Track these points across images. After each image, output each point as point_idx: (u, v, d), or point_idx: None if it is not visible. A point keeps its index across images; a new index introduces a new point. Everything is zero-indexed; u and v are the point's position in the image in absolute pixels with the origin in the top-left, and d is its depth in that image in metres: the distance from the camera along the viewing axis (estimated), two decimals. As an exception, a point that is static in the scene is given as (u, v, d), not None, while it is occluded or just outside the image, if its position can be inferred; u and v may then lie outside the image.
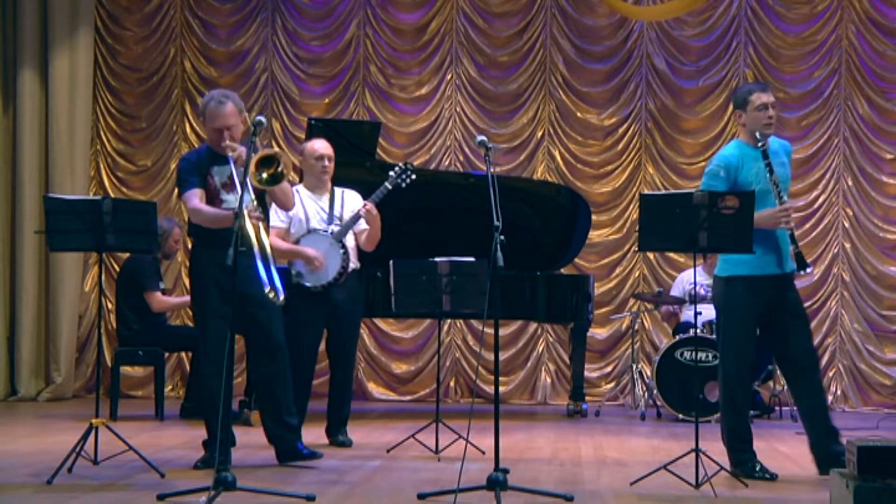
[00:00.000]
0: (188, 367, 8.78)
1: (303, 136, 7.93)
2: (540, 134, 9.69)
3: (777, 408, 8.37)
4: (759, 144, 5.35)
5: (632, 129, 9.66)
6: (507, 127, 9.69)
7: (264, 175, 5.15)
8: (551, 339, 9.62)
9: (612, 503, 4.75)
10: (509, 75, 9.73)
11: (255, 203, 5.34)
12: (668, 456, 5.56)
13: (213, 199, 5.43)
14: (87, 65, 9.47)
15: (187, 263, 9.68)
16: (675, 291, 8.81)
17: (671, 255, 9.42)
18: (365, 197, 6.37)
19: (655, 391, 8.08)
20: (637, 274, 9.61)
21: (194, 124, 9.87)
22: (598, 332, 9.49)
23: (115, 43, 9.88)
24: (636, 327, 8.85)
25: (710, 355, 7.86)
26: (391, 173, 6.41)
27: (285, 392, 5.65)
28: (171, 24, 9.88)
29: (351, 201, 6.40)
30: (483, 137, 5.17)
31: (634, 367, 8.64)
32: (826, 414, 5.41)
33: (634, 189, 9.54)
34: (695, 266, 5.99)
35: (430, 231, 7.85)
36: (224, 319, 5.18)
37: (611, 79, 9.69)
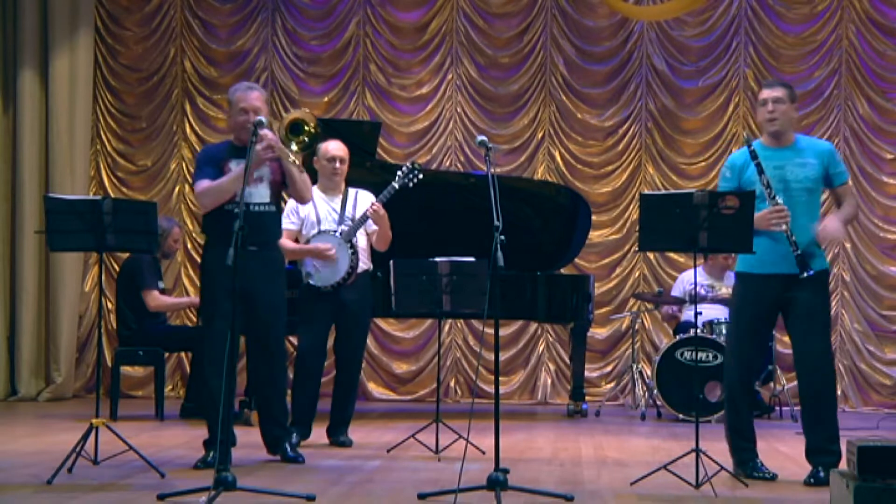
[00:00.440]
0: (188, 367, 8.78)
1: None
2: (540, 135, 9.70)
3: (777, 408, 8.37)
4: (745, 143, 5.38)
5: (632, 129, 9.67)
6: (508, 128, 9.69)
7: (294, 146, 5.20)
8: (551, 339, 9.62)
9: (612, 503, 4.75)
10: (510, 76, 9.73)
11: (272, 197, 5.38)
12: (668, 456, 5.56)
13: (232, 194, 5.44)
14: (88, 65, 9.47)
15: (187, 263, 9.78)
16: (676, 291, 8.81)
17: (671, 255, 9.42)
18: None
19: (656, 391, 8.08)
20: (637, 274, 9.61)
21: (194, 124, 9.88)
22: (598, 332, 9.49)
23: (116, 43, 9.88)
24: (636, 327, 8.85)
25: (710, 355, 7.87)
26: (398, 173, 6.41)
27: (278, 394, 5.69)
28: (171, 24, 9.88)
29: (364, 202, 6.39)
30: (483, 137, 5.17)
31: (634, 367, 8.64)
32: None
33: (635, 189, 9.54)
34: (695, 266, 5.99)
35: (430, 231, 7.85)
36: (226, 318, 5.18)
37: (611, 79, 9.69)
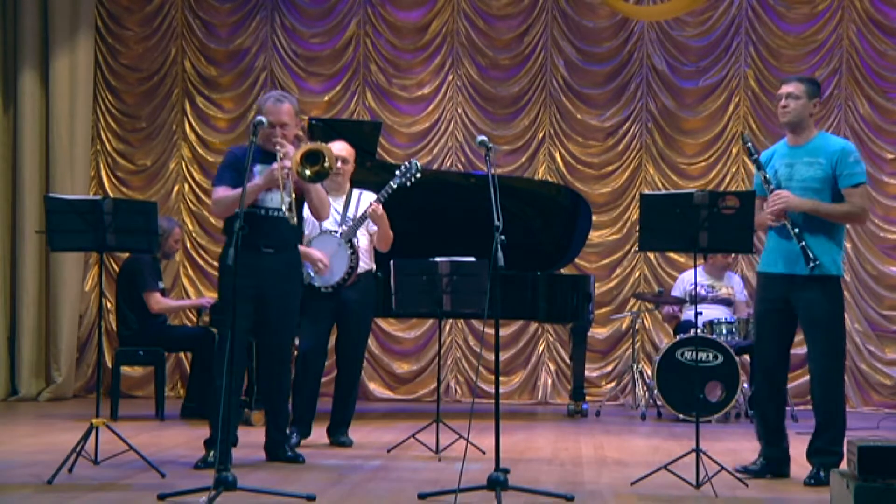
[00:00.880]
0: (188, 367, 8.78)
1: (303, 135, 7.93)
2: (541, 135, 9.70)
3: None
4: (744, 142, 5.42)
5: (632, 129, 9.67)
6: (509, 128, 9.69)
7: (308, 172, 5.21)
8: (552, 339, 9.62)
9: (612, 503, 4.75)
10: (510, 77, 9.74)
11: (291, 205, 5.38)
12: (668, 456, 5.56)
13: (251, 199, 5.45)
14: (88, 65, 9.47)
15: (186, 263, 9.78)
16: (676, 291, 8.81)
17: (671, 254, 9.42)
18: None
19: (656, 391, 8.08)
20: (637, 274, 9.61)
21: (194, 124, 9.88)
22: (598, 332, 9.49)
23: (116, 43, 9.88)
24: (636, 327, 8.86)
25: (711, 355, 7.87)
26: (396, 172, 6.40)
27: (281, 397, 5.71)
28: (171, 23, 9.88)
29: (367, 203, 6.39)
30: (483, 137, 5.17)
31: (635, 366, 8.65)
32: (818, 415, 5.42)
33: (635, 189, 9.54)
34: (695, 266, 6.00)
35: (430, 231, 7.85)
36: (243, 319, 5.30)
37: (611, 80, 9.69)
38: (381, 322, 9.54)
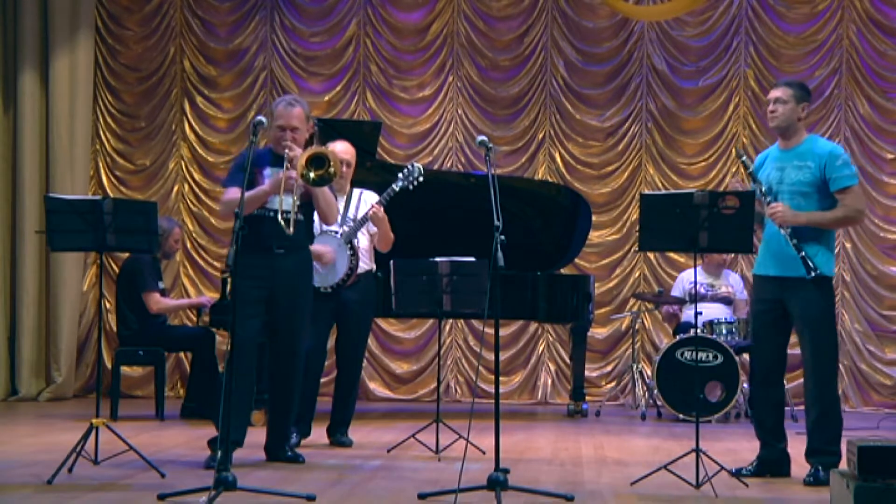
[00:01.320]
0: (188, 367, 8.78)
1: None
2: (541, 136, 9.70)
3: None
4: (737, 156, 5.46)
5: (632, 129, 9.67)
6: (509, 129, 9.70)
7: (312, 175, 5.22)
8: (552, 339, 9.62)
9: (612, 503, 4.75)
10: (510, 78, 9.74)
11: (298, 207, 5.42)
12: (668, 456, 5.57)
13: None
14: (88, 65, 9.47)
15: (186, 263, 9.78)
16: (676, 291, 8.82)
17: (671, 254, 9.42)
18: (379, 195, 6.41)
19: (656, 391, 8.08)
20: (637, 274, 9.61)
21: (193, 123, 9.88)
22: (598, 332, 9.50)
23: (115, 43, 9.88)
24: (636, 327, 8.86)
25: (711, 355, 7.88)
26: (399, 175, 6.41)
27: (289, 398, 5.70)
28: (170, 23, 9.88)
29: (368, 203, 6.40)
30: (483, 137, 5.17)
31: (635, 366, 8.65)
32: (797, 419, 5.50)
33: (635, 189, 9.54)
34: (695, 266, 5.99)
35: (430, 231, 7.85)
36: (255, 319, 5.41)
37: (611, 80, 9.69)
38: (381, 322, 9.54)
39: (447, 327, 9.56)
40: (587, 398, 8.70)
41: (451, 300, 6.02)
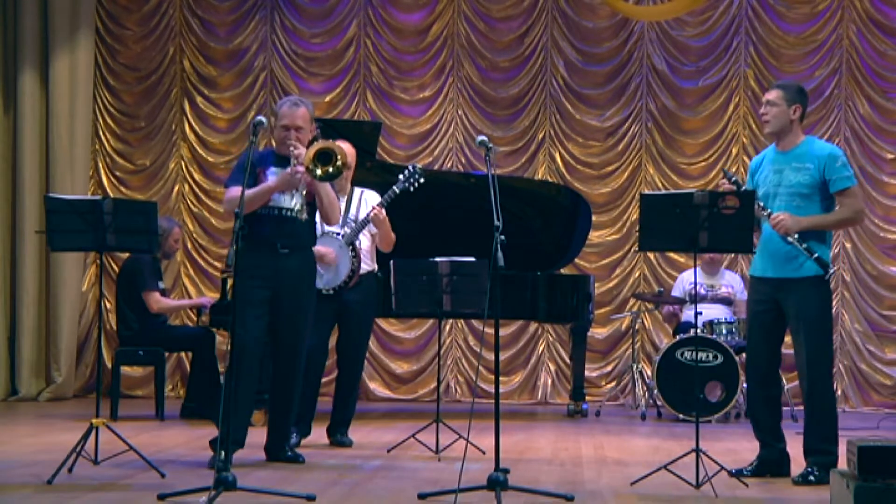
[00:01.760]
0: (188, 367, 8.78)
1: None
2: (541, 136, 9.70)
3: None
4: (725, 178, 5.48)
5: (632, 129, 9.67)
6: (509, 130, 9.70)
7: (319, 171, 5.22)
8: (552, 339, 9.62)
9: (612, 503, 4.75)
10: (511, 79, 9.74)
11: (304, 205, 5.45)
12: (668, 456, 5.57)
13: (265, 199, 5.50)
14: (88, 65, 9.47)
15: (187, 263, 9.78)
16: (676, 291, 8.82)
17: (671, 254, 9.42)
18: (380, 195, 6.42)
19: (656, 391, 8.08)
20: (637, 274, 9.61)
21: (193, 123, 9.88)
22: (598, 332, 9.50)
23: (115, 42, 9.88)
24: (636, 327, 8.86)
25: (711, 355, 7.88)
26: (400, 176, 6.40)
27: (290, 398, 5.71)
28: (170, 22, 9.88)
29: (368, 203, 6.40)
30: (483, 137, 5.17)
31: (635, 366, 8.65)
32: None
33: (635, 189, 9.54)
34: (695, 266, 5.99)
35: (430, 231, 7.86)
36: (258, 320, 5.43)
37: (611, 80, 9.69)
38: (381, 322, 9.53)
39: (447, 327, 9.56)
40: (587, 398, 8.70)
41: (451, 300, 6.02)
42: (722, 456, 5.46)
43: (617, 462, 5.96)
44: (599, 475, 5.47)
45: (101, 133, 9.87)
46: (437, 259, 5.99)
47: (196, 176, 9.87)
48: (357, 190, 6.44)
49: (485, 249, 4.86)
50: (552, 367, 9.60)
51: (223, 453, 4.72)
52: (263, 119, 5.19)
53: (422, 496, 4.66)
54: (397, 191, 6.33)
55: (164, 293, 7.95)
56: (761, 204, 5.36)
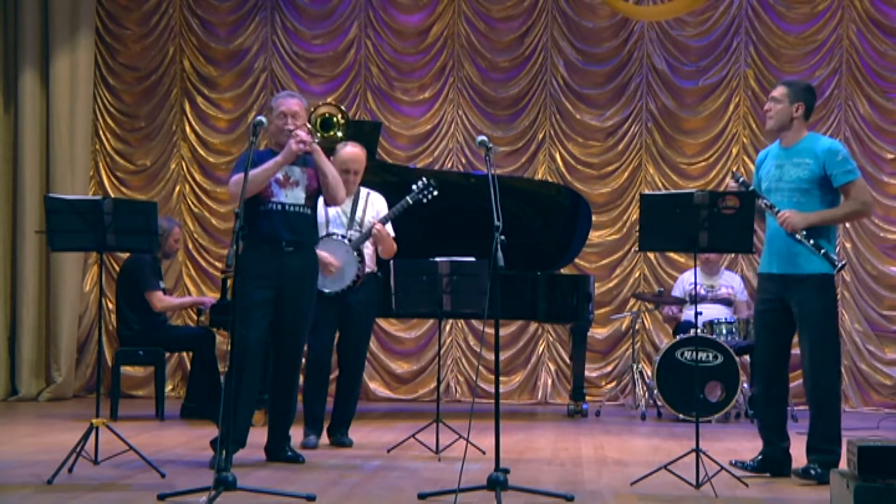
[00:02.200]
0: (189, 367, 8.78)
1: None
2: (541, 136, 9.70)
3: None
4: (736, 179, 5.52)
5: (632, 129, 9.67)
6: (509, 130, 9.70)
7: (321, 135, 5.29)
8: (552, 339, 9.62)
9: (612, 503, 4.75)
10: (511, 79, 9.74)
11: (307, 200, 5.50)
12: (668, 456, 5.57)
13: (267, 194, 5.50)
14: (88, 64, 9.47)
15: (188, 263, 9.78)
16: (676, 292, 8.82)
17: (671, 254, 9.42)
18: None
19: (656, 391, 8.08)
20: (637, 274, 9.61)
21: (194, 123, 9.88)
22: (598, 332, 9.50)
23: (115, 42, 9.88)
24: (636, 327, 8.86)
25: (711, 355, 7.87)
26: (413, 187, 6.41)
27: (291, 398, 5.73)
28: (170, 22, 9.88)
29: (374, 205, 6.41)
30: (483, 137, 5.18)
31: (635, 366, 8.65)
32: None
33: (635, 189, 9.54)
34: (695, 266, 5.99)
35: (430, 231, 7.85)
36: (263, 321, 5.47)
37: (611, 80, 9.69)
38: (381, 322, 9.53)
39: (447, 327, 9.56)
40: (587, 398, 8.70)
41: (451, 300, 6.02)
42: (722, 456, 5.46)
43: (617, 462, 5.96)
44: (599, 475, 5.48)
45: (101, 133, 9.86)
46: (437, 259, 5.99)
47: (197, 176, 9.87)
48: (363, 191, 6.43)
49: (485, 249, 4.86)
50: (552, 367, 9.60)
51: (223, 453, 4.72)
52: (264, 119, 5.20)
53: (422, 496, 4.66)
54: (410, 202, 6.34)
55: (165, 293, 7.96)
56: (768, 202, 5.36)
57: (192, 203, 9.85)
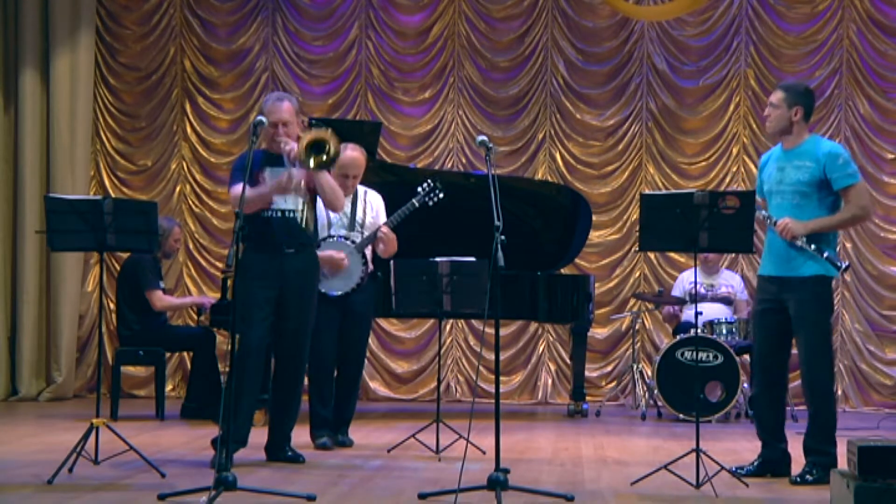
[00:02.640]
0: (189, 367, 8.78)
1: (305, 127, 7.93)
2: (541, 136, 9.69)
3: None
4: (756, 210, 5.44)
5: (632, 129, 9.66)
6: (509, 129, 9.69)
7: (311, 163, 5.26)
8: (552, 339, 9.62)
9: (612, 503, 4.75)
10: (511, 78, 9.74)
11: (307, 205, 5.48)
12: (668, 456, 5.57)
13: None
14: (88, 64, 9.46)
15: (188, 263, 9.78)
16: (676, 291, 8.82)
17: (671, 254, 9.42)
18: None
19: (656, 391, 8.08)
20: (637, 274, 9.61)
21: (194, 123, 9.87)
22: (598, 332, 9.49)
23: (115, 41, 9.87)
24: (637, 327, 8.86)
25: (711, 355, 7.87)
26: (419, 189, 6.42)
27: (294, 398, 5.73)
28: (170, 22, 9.87)
29: (372, 204, 6.42)
30: (483, 137, 5.18)
31: (635, 366, 8.65)
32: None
33: (635, 189, 9.54)
34: (695, 266, 5.99)
35: (430, 231, 7.84)
36: (265, 321, 5.48)
37: (611, 80, 9.69)
38: (381, 322, 9.54)
39: (447, 327, 9.56)
40: (587, 398, 8.69)
41: (452, 300, 6.02)
42: (722, 456, 5.46)
43: (617, 462, 5.96)
44: (599, 475, 5.48)
45: (101, 133, 9.86)
46: (438, 259, 5.99)
47: (198, 176, 9.86)
48: (360, 189, 6.43)
49: (485, 249, 4.85)
50: (552, 367, 9.60)
51: (224, 452, 4.72)
52: (264, 119, 5.21)
53: (422, 496, 4.66)
54: (416, 204, 6.35)
55: (164, 292, 7.96)
56: (765, 214, 5.37)
57: (193, 203, 9.84)
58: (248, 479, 4.93)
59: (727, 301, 8.58)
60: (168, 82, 9.87)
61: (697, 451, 5.08)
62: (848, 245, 9.38)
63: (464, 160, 9.69)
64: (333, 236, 6.28)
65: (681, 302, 8.60)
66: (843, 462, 4.88)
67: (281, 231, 5.50)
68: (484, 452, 5.81)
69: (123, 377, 8.59)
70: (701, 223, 5.14)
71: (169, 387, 9.24)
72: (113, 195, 9.37)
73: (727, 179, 9.50)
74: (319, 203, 5.75)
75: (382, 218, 6.41)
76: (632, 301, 9.45)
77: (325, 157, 5.29)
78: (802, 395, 5.50)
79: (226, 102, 9.91)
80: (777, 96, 5.45)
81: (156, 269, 7.84)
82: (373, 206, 6.42)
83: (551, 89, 9.70)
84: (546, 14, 9.70)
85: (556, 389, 9.56)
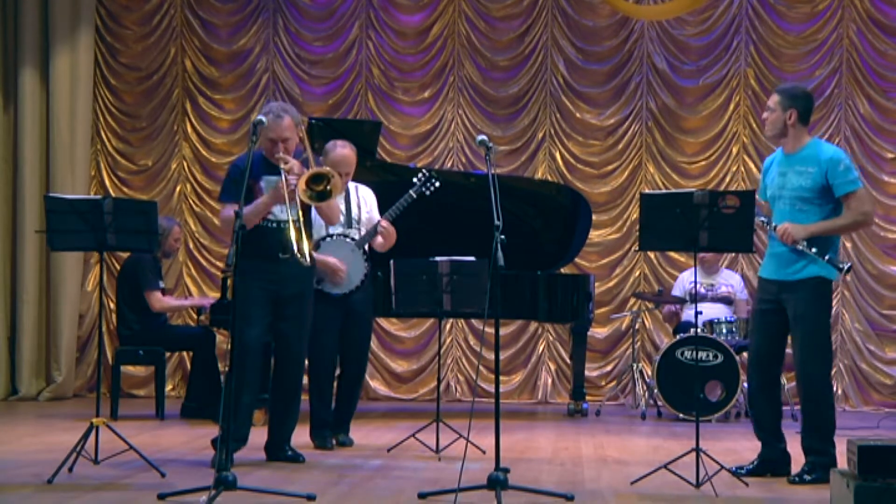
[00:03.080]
0: (189, 367, 8.78)
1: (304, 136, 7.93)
2: (541, 135, 9.69)
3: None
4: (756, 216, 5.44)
5: (632, 128, 9.66)
6: (509, 129, 9.69)
7: (311, 193, 5.26)
8: (552, 339, 9.62)
9: (612, 503, 4.75)
10: (511, 78, 9.73)
11: (301, 216, 5.46)
12: (668, 455, 5.57)
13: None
14: (88, 64, 9.46)
15: (189, 263, 9.78)
16: (676, 291, 8.82)
17: (671, 254, 9.42)
18: (378, 195, 6.45)
19: (656, 391, 8.08)
20: (637, 273, 9.61)
21: (195, 124, 9.87)
22: (598, 332, 9.49)
23: (115, 41, 9.86)
24: (637, 327, 8.86)
25: (711, 355, 7.87)
26: (415, 180, 6.42)
27: (294, 398, 5.74)
28: (171, 22, 9.87)
29: (366, 199, 6.42)
30: (483, 136, 5.17)
31: (635, 366, 8.65)
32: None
33: (635, 189, 9.54)
34: (695, 266, 5.99)
35: (430, 231, 7.85)
36: (263, 320, 5.50)
37: (611, 79, 9.68)
38: (381, 321, 9.53)
39: (447, 327, 9.56)
40: (587, 398, 8.69)
41: (452, 300, 6.02)
42: (722, 455, 5.46)
43: (617, 462, 5.96)
44: (599, 475, 5.48)
45: (101, 133, 9.86)
46: (438, 259, 5.99)
47: (198, 176, 9.86)
48: (351, 185, 6.41)
49: (485, 249, 4.85)
50: (552, 367, 9.60)
51: (224, 452, 4.72)
52: (264, 119, 5.20)
53: (422, 496, 4.66)
54: (414, 195, 6.34)
55: (164, 292, 7.96)
56: (764, 220, 5.38)
57: (194, 202, 9.84)
58: (248, 479, 4.93)
59: (727, 301, 8.58)
60: (169, 83, 9.86)
61: (697, 450, 5.08)
62: (848, 245, 9.37)
63: (464, 159, 9.69)
64: (332, 235, 6.27)
65: (680, 301, 8.60)
66: (842, 461, 4.88)
67: (276, 242, 5.48)
68: (484, 452, 5.81)
69: (123, 377, 8.59)
70: (701, 223, 5.14)
71: (169, 386, 9.24)
72: (113, 195, 9.37)
73: (727, 179, 9.50)
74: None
75: (376, 212, 6.41)
76: (632, 300, 9.45)
77: (320, 189, 5.29)
78: (798, 393, 5.49)
79: (226, 103, 9.91)
80: (773, 100, 5.44)
81: (156, 268, 7.84)
82: (366, 202, 6.42)
83: (551, 88, 9.70)
84: (546, 13, 9.70)
85: (556, 389, 9.56)
